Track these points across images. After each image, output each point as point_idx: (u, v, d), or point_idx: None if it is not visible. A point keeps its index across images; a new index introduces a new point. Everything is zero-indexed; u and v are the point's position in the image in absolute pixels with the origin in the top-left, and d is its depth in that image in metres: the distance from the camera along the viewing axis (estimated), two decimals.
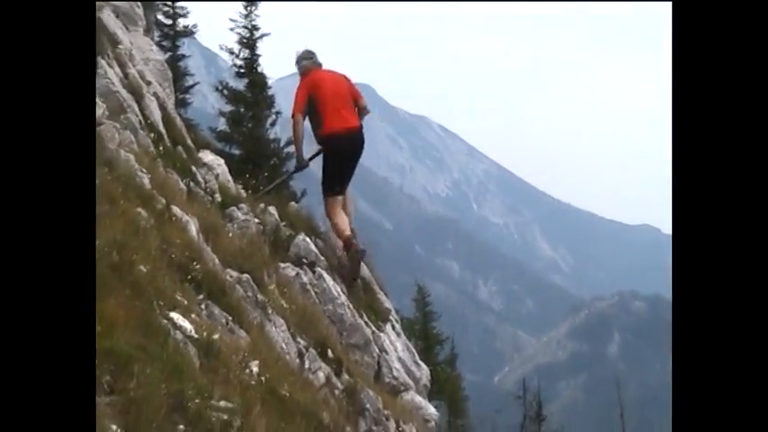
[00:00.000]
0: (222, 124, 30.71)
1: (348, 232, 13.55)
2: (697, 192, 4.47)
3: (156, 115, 12.65)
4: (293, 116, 13.47)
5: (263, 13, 31.73)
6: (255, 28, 31.24)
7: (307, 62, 14.05)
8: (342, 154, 13.84)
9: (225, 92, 31.07)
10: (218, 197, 12.37)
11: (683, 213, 4.50)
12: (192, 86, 34.07)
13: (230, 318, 7.56)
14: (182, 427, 4.94)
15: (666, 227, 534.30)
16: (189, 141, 13.88)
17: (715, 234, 4.39)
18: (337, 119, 13.57)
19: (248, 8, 31.07)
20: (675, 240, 4.49)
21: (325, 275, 12.17)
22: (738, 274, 4.32)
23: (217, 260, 8.67)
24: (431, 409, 13.05)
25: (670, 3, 4.80)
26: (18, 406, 3.71)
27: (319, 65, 14.14)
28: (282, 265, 11.65)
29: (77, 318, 4.02)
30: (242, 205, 12.52)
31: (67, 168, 4.25)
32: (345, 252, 13.54)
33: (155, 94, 13.29)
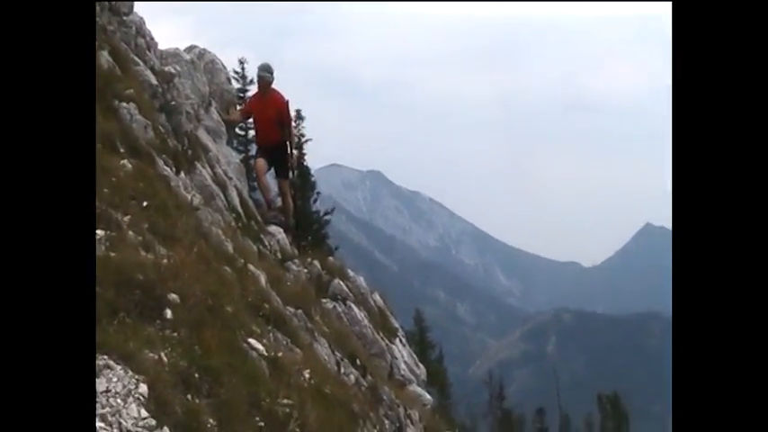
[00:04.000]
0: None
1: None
2: (696, 196, 3.47)
3: (236, 200, 12.66)
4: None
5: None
6: (302, 135, 31.38)
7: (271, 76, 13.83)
8: None
9: None
10: (279, 255, 12.36)
11: (683, 217, 3.49)
12: None
13: (289, 340, 7.51)
14: (258, 418, 4.92)
15: (585, 262, 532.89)
16: (258, 217, 13.87)
17: (713, 239, 3.43)
18: None
19: (297, 122, 31.25)
20: (675, 246, 3.51)
21: (354, 307, 12.18)
22: (733, 281, 3.35)
23: (279, 300, 8.63)
24: (427, 396, 13.03)
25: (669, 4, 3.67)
26: (20, 404, 3.21)
27: None
28: (324, 300, 11.66)
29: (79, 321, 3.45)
30: (295, 260, 12.53)
31: (68, 171, 3.56)
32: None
33: (234, 186, 13.31)
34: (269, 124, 13.63)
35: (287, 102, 13.63)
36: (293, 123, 13.63)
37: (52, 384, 3.32)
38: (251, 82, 35.25)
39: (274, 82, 13.87)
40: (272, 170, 14.18)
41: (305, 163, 31.51)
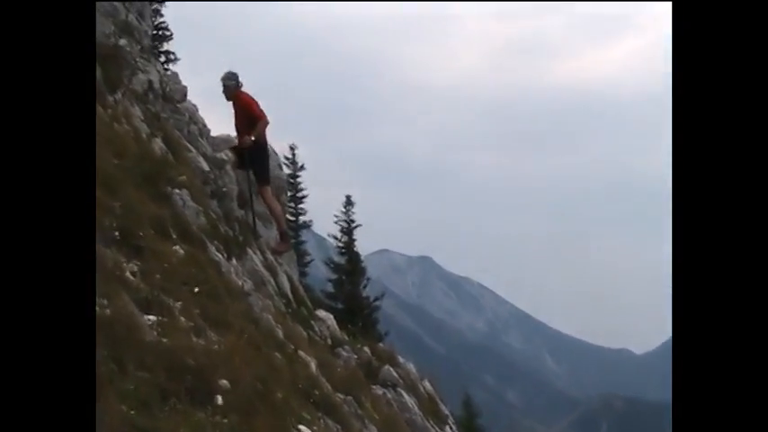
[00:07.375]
0: (330, 288, 30.84)
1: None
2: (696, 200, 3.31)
3: (286, 286, 12.66)
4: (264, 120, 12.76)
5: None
6: (352, 221, 31.68)
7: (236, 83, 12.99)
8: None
9: (331, 265, 31.39)
10: (329, 341, 12.31)
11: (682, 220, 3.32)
12: (309, 263, 34.43)
13: (340, 427, 7.42)
14: None
15: (637, 348, 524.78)
16: (308, 302, 13.85)
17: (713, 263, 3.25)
18: None
19: (347, 207, 31.54)
20: (675, 262, 3.31)
21: (404, 393, 12.05)
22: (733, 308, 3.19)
23: (329, 386, 8.55)
24: None
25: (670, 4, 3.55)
26: (22, 407, 3.08)
27: None
28: (374, 386, 11.55)
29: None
30: (346, 346, 12.46)
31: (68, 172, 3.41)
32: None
33: (285, 271, 13.33)
34: (243, 128, 13.10)
35: (252, 97, 13.05)
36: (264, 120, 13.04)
37: (53, 387, 3.19)
38: (302, 167, 35.74)
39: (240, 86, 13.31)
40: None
41: (355, 249, 31.76)
